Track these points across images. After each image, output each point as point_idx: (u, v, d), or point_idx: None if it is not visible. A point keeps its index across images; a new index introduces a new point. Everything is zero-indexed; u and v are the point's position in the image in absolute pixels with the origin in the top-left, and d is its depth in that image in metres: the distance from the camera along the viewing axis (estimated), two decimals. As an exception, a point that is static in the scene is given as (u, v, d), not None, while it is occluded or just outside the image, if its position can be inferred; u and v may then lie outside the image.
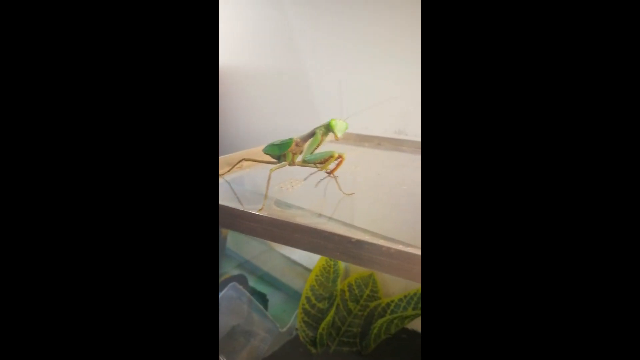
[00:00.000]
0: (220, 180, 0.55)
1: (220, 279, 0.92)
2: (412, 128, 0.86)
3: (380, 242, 0.36)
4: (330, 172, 0.46)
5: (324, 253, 0.39)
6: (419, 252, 0.35)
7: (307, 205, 0.49)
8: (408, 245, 0.37)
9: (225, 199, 0.49)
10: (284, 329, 0.80)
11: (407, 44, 0.86)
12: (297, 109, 1.01)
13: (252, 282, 0.92)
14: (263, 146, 0.52)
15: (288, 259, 0.91)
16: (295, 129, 0.65)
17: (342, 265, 0.80)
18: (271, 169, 0.47)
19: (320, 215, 0.47)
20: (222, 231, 0.98)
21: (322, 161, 0.45)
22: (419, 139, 0.77)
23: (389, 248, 0.36)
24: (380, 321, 0.72)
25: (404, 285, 0.80)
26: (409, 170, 0.61)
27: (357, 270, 0.83)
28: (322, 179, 0.48)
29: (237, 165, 0.57)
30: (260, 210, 0.44)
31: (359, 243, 0.37)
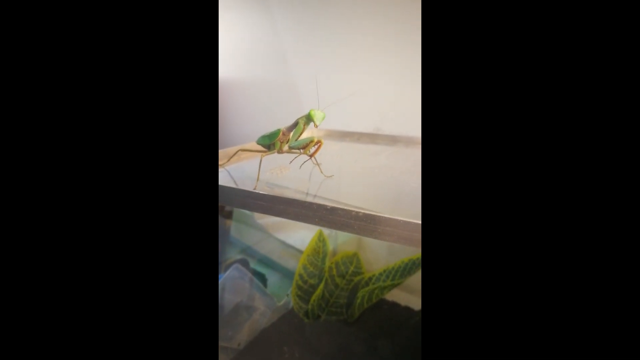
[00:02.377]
0: (222, 169, 0.57)
1: (225, 263, 0.94)
2: (387, 125, 0.88)
3: (350, 207, 0.39)
4: (311, 155, 0.48)
5: (305, 220, 0.41)
6: (379, 214, 0.37)
7: (295, 186, 0.52)
8: (373, 211, 0.39)
9: (225, 183, 0.51)
10: (281, 303, 0.82)
11: (384, 54, 0.89)
12: (289, 115, 1.04)
13: (253, 265, 0.94)
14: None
15: (283, 243, 0.93)
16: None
17: (329, 246, 0.82)
18: (262, 155, 0.49)
19: (304, 193, 0.49)
20: (226, 222, 1.00)
21: (304, 146, 0.47)
22: (393, 133, 0.79)
23: (357, 212, 0.38)
24: (362, 291, 0.74)
25: (384, 261, 0.83)
26: (381, 158, 0.64)
27: (343, 250, 0.85)
28: (305, 161, 0.51)
29: (236, 156, 0.59)
30: (253, 189, 0.46)
31: (334, 209, 0.39)
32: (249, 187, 0.47)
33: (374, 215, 0.38)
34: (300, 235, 0.91)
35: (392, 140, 0.74)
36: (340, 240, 0.90)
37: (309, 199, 0.43)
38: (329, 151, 0.68)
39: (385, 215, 0.37)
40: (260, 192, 0.44)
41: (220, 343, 0.77)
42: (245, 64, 1.08)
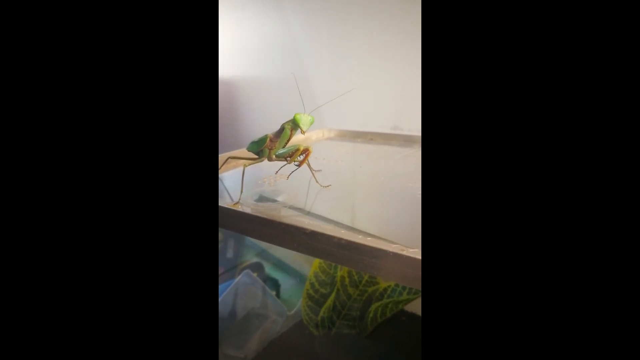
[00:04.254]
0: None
1: (241, 267, 0.89)
2: (407, 123, 0.80)
3: (333, 233, 0.31)
4: (299, 164, 0.41)
5: (282, 244, 0.35)
6: (369, 243, 0.30)
7: (287, 199, 0.45)
8: (369, 235, 0.32)
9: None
10: (292, 312, 0.76)
11: (402, 47, 0.80)
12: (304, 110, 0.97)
13: (267, 269, 0.88)
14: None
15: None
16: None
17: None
18: (245, 164, 0.43)
19: (296, 207, 0.42)
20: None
21: (290, 154, 0.40)
22: (411, 133, 0.71)
23: (340, 239, 0.31)
24: (375, 305, 0.66)
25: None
26: (391, 162, 0.55)
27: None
28: (292, 171, 0.44)
29: (229, 163, 0.53)
30: (235, 204, 0.40)
31: (313, 234, 0.32)
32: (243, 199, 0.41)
33: (358, 244, 0.30)
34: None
35: (408, 140, 0.65)
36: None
37: (293, 218, 0.36)
38: (335, 154, 0.61)
39: (371, 245, 0.29)
40: (232, 208, 0.38)
41: (231, 352, 0.73)
42: (259, 62, 1.02)
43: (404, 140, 0.66)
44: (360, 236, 0.32)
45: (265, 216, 0.35)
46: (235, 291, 0.80)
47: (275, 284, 0.83)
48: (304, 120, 0.39)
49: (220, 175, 0.52)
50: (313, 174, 0.45)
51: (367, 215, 0.41)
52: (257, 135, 0.45)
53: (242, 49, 1.02)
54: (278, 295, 0.83)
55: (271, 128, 0.44)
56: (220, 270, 0.88)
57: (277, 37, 0.96)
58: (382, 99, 0.83)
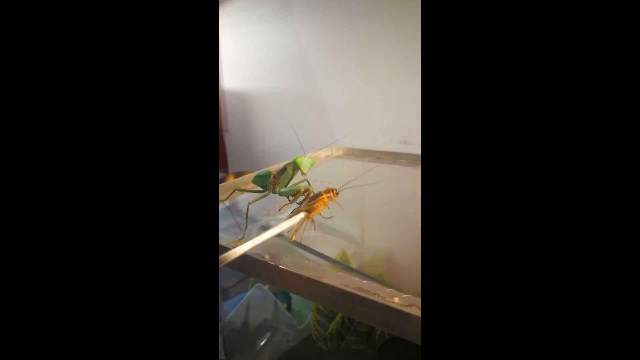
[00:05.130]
0: (222, 204, 0.54)
1: (252, 280, 0.92)
2: (417, 137, 0.81)
3: (329, 279, 0.34)
4: (300, 204, 0.44)
5: (258, 277, 0.37)
6: (360, 292, 0.32)
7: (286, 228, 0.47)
8: (365, 277, 0.34)
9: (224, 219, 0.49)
10: (302, 326, 0.79)
11: (415, 59, 0.80)
12: (314, 125, 0.99)
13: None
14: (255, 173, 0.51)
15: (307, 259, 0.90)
16: (313, 142, 0.63)
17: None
18: (249, 202, 0.45)
19: (293, 242, 0.44)
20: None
21: (292, 194, 0.43)
22: (419, 150, 0.72)
23: (300, 275, 0.33)
24: (382, 323, 0.68)
25: (415, 286, 0.76)
26: (395, 188, 0.57)
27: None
28: (293, 210, 0.46)
29: (234, 193, 0.56)
30: (241, 239, 0.43)
31: (279, 269, 0.35)
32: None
33: (321, 283, 0.33)
34: (325, 252, 0.87)
35: (415, 159, 0.67)
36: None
37: (291, 261, 0.39)
38: (341, 175, 0.62)
39: (363, 295, 0.32)
40: (232, 246, 0.41)
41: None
42: (271, 74, 1.04)
43: (411, 159, 0.67)
44: (356, 278, 0.34)
45: (264, 260, 0.37)
46: (248, 304, 0.83)
47: (286, 297, 0.86)
48: (304, 163, 0.41)
49: (228, 205, 0.54)
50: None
51: (370, 250, 0.43)
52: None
53: (256, 62, 1.04)
54: (289, 307, 0.86)
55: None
56: (233, 281, 0.91)
57: (288, 51, 0.97)
58: (393, 112, 0.84)
